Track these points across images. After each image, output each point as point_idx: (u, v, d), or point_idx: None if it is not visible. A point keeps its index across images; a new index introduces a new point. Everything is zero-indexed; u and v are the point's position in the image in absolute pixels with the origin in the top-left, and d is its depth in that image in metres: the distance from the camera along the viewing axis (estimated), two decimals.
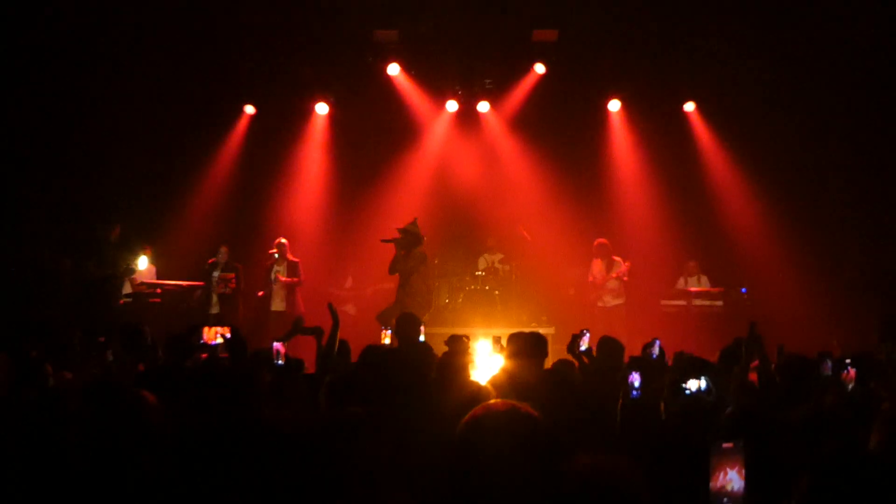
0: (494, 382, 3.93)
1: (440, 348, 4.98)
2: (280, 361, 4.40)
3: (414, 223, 8.65)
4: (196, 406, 3.40)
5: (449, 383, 3.63)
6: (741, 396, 3.83)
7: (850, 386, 4.33)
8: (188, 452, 2.50)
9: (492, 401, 1.89)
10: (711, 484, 1.84)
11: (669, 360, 5.02)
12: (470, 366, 4.60)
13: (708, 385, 3.00)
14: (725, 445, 1.85)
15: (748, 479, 1.91)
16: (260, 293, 9.66)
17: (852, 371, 4.42)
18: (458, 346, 5.05)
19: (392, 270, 8.60)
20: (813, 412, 2.97)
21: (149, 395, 2.74)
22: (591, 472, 1.65)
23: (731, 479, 1.85)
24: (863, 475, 1.71)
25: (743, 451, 1.85)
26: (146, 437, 2.56)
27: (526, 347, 4.46)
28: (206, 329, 5.20)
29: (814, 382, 3.96)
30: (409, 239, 8.48)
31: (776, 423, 2.67)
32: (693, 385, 2.99)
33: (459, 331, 8.82)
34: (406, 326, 5.67)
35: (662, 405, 3.14)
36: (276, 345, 4.48)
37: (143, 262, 8.84)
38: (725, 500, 1.85)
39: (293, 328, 5.05)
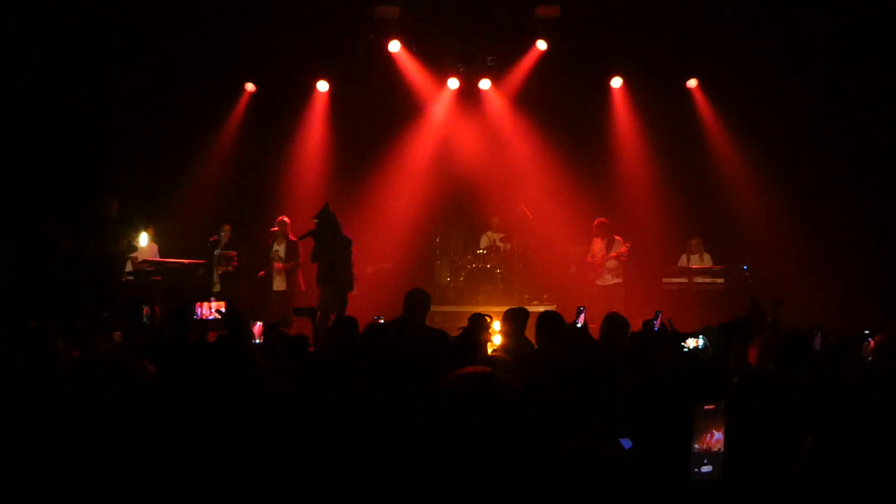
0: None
1: (439, 327, 4.97)
2: (257, 340, 4.42)
3: (325, 208, 8.27)
4: (199, 379, 3.42)
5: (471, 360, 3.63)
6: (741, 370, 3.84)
7: (869, 359, 4.38)
8: (193, 425, 2.52)
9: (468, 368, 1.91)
10: (696, 444, 1.86)
11: None
12: (489, 344, 4.64)
13: (705, 343, 3.03)
14: (707, 407, 1.87)
15: (738, 440, 1.92)
16: (260, 273, 9.66)
17: (872, 343, 4.47)
18: (479, 324, 5.01)
19: (315, 259, 8.24)
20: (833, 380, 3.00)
21: (149, 365, 2.75)
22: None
23: (715, 439, 1.87)
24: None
25: (724, 412, 1.87)
26: (145, 407, 2.57)
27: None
28: (199, 304, 5.21)
29: (807, 355, 3.98)
30: (323, 225, 8.15)
31: (788, 388, 2.68)
32: (691, 343, 3.03)
33: (460, 309, 8.89)
34: (417, 305, 5.44)
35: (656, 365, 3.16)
36: (257, 325, 4.51)
37: (143, 240, 8.86)
38: (706, 460, 1.87)
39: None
